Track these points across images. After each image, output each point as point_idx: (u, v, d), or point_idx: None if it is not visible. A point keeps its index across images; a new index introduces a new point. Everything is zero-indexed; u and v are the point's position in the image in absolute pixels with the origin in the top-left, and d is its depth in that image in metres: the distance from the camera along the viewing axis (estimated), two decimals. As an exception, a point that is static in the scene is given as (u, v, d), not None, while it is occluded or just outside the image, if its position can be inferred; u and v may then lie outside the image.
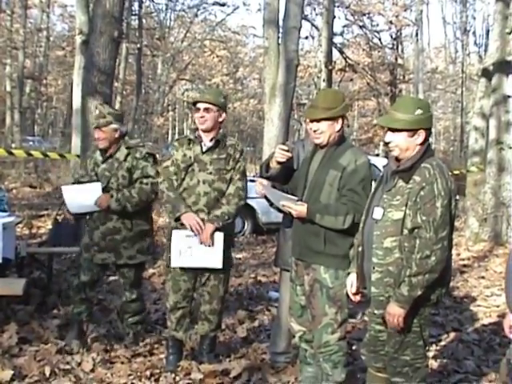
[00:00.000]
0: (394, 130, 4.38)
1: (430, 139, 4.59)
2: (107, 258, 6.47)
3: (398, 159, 4.42)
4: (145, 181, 6.40)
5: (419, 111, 4.31)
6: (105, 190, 6.39)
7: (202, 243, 5.57)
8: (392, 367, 4.53)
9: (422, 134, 4.34)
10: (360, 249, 4.56)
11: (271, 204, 5.24)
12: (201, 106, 5.70)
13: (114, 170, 6.45)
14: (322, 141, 4.92)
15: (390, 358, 4.53)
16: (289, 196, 4.88)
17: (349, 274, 4.75)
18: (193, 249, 5.59)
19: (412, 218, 4.22)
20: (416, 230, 4.22)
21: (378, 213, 4.40)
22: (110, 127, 6.40)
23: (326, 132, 4.89)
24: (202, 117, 5.68)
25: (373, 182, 4.98)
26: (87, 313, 6.68)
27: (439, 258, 4.17)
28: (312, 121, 4.97)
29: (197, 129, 5.83)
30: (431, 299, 4.36)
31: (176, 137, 54.34)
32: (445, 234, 4.19)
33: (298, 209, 4.79)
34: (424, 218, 4.18)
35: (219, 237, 5.62)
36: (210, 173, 5.70)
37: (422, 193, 4.20)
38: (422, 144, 4.36)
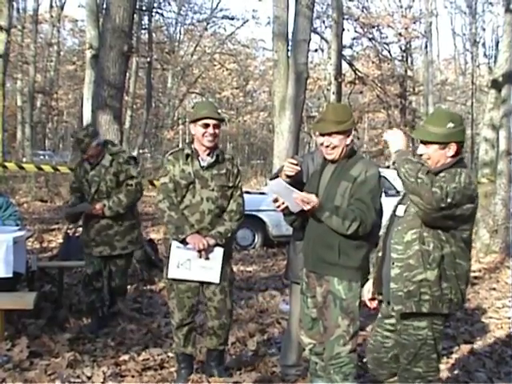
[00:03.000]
0: (426, 143, 4.45)
1: (464, 153, 4.67)
2: (103, 250, 7.47)
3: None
4: (130, 182, 7.44)
5: (451, 124, 4.37)
6: (96, 193, 7.43)
7: (200, 257, 5.54)
8: (404, 378, 4.54)
9: (453, 147, 4.40)
10: (380, 254, 4.64)
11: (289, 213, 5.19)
12: (210, 122, 5.55)
13: (102, 175, 7.41)
14: (335, 156, 4.92)
15: (402, 370, 4.54)
16: (300, 193, 4.85)
17: (362, 285, 4.81)
18: (191, 262, 5.55)
19: None
20: None
21: (400, 210, 4.54)
22: (91, 146, 7.33)
23: (338, 147, 4.88)
24: (213, 134, 5.56)
25: (383, 195, 5.00)
26: (99, 300, 7.62)
27: (427, 200, 4.14)
28: (323, 135, 4.95)
29: (192, 142, 5.74)
30: (447, 301, 4.38)
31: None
32: (449, 201, 4.16)
33: (313, 198, 4.75)
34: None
35: (219, 252, 5.60)
36: (213, 189, 5.62)
37: (443, 178, 4.25)
38: (453, 156, 4.42)
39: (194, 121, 5.61)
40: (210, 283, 5.66)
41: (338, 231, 4.74)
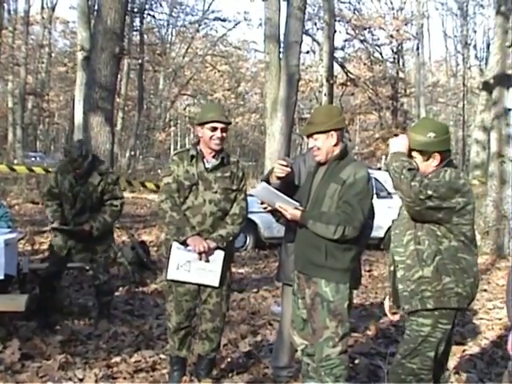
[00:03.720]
0: (411, 150, 4.53)
1: (452, 156, 4.76)
2: (86, 256, 7.86)
3: None
4: (115, 203, 7.80)
5: (432, 134, 4.44)
6: (80, 208, 7.69)
7: (201, 259, 5.46)
8: (396, 374, 4.58)
9: (436, 157, 4.48)
10: (392, 268, 4.69)
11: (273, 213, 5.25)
12: (219, 125, 5.45)
13: (89, 193, 7.68)
14: (321, 158, 4.95)
15: (396, 364, 4.59)
16: (289, 200, 4.88)
17: (350, 287, 4.84)
18: (191, 264, 5.46)
19: None
20: None
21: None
22: (83, 166, 7.57)
23: (322, 148, 4.91)
24: (221, 137, 5.47)
25: (374, 196, 5.02)
26: (52, 298, 7.82)
27: (407, 191, 4.29)
28: (308, 138, 5.01)
29: (198, 143, 5.62)
30: (454, 294, 4.44)
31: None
32: (426, 196, 4.27)
33: (293, 212, 4.83)
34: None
35: (220, 256, 5.52)
36: (216, 192, 5.53)
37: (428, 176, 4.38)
38: (438, 165, 4.49)
39: (202, 123, 5.53)
40: (208, 286, 5.61)
41: (324, 237, 4.75)
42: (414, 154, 4.50)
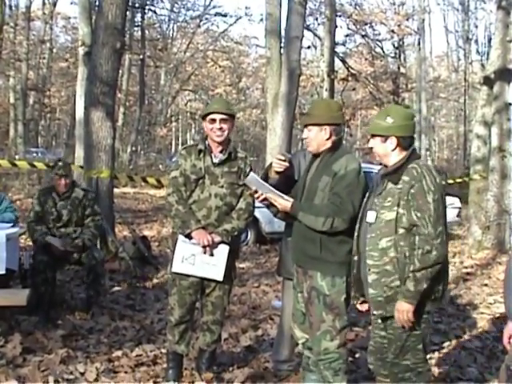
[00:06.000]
0: (372, 136, 4.62)
1: (416, 144, 4.73)
2: (79, 241, 8.00)
3: (386, 166, 4.61)
4: (96, 218, 8.33)
5: (389, 119, 4.47)
6: (67, 221, 8.13)
7: (205, 253, 5.47)
8: (394, 374, 4.56)
9: (393, 141, 4.49)
10: (356, 258, 4.66)
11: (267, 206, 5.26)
12: (217, 117, 5.49)
13: (75, 207, 8.20)
14: (311, 148, 5.04)
15: (391, 364, 4.56)
16: (276, 191, 4.93)
17: (347, 280, 4.84)
18: (196, 257, 5.47)
19: (407, 216, 4.32)
20: (414, 228, 4.31)
21: (371, 216, 4.52)
22: (68, 180, 8.16)
23: (313, 139, 4.98)
24: (220, 128, 5.48)
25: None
26: (49, 294, 7.69)
27: (440, 251, 4.26)
28: (305, 127, 5.08)
29: (206, 138, 5.64)
30: (431, 296, 4.41)
31: (180, 147, 54.40)
32: (442, 229, 4.28)
33: (283, 203, 4.89)
34: (419, 214, 4.28)
35: (225, 250, 5.52)
36: (222, 186, 5.55)
37: (412, 190, 4.32)
38: (394, 150, 4.51)
39: (204, 116, 5.60)
40: (212, 280, 5.62)
41: (314, 228, 4.78)
42: (373, 138, 4.58)
